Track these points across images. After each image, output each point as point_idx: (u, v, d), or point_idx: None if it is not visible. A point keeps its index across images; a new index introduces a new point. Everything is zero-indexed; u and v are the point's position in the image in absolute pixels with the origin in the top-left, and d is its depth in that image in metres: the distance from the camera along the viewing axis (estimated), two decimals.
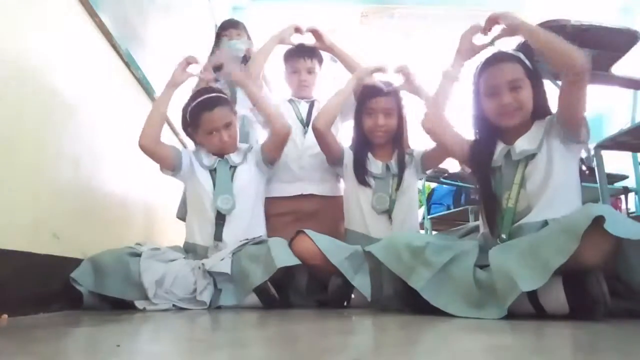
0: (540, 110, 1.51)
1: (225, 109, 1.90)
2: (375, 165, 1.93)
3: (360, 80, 1.97)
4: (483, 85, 1.51)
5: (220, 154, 1.92)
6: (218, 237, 1.81)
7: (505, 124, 1.49)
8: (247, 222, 1.86)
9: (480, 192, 1.54)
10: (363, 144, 1.96)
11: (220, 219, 1.83)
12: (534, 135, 1.47)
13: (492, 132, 1.54)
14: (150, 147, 1.83)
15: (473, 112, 1.60)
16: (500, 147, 1.51)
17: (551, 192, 1.39)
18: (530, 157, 1.45)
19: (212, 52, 2.60)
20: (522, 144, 1.47)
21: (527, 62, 1.51)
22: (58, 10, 1.49)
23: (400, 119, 1.95)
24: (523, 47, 1.63)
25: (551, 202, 1.39)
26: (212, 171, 1.88)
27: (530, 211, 1.41)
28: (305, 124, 2.19)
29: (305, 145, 2.13)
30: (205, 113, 1.86)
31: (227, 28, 2.58)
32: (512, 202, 1.44)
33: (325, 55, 2.31)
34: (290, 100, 2.26)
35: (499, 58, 1.51)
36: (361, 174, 1.91)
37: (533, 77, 1.49)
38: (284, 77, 2.30)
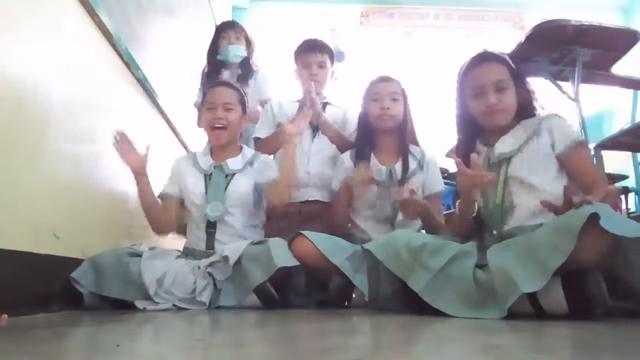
0: (524, 110, 1.54)
1: (231, 92, 1.93)
2: (378, 170, 1.87)
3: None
4: (468, 86, 1.54)
5: (213, 144, 1.91)
6: (210, 245, 1.78)
7: (490, 124, 1.53)
8: (240, 232, 1.81)
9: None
10: (367, 140, 1.92)
11: (211, 227, 1.79)
12: (516, 136, 1.50)
13: (473, 132, 1.58)
14: (171, 231, 1.94)
15: (457, 112, 1.63)
16: (483, 152, 1.55)
17: (538, 190, 1.41)
18: (509, 158, 1.48)
19: (210, 53, 2.57)
20: (501, 147, 1.51)
21: (510, 62, 1.54)
22: (58, 10, 1.49)
23: (405, 111, 1.92)
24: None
25: (539, 200, 1.38)
26: (207, 176, 1.85)
27: (515, 208, 1.44)
28: (314, 127, 2.14)
29: (312, 150, 2.11)
30: (212, 88, 1.96)
31: (226, 30, 2.52)
32: (498, 199, 1.48)
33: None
34: (300, 101, 2.18)
35: (485, 58, 1.54)
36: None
37: (517, 78, 1.53)
38: (295, 75, 2.27)
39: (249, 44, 2.56)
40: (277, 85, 2.64)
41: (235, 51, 2.47)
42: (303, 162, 2.09)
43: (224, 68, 2.46)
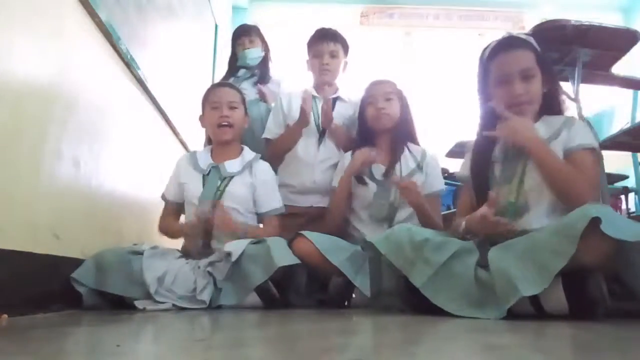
0: (549, 101, 1.47)
1: (234, 92, 1.96)
2: (377, 168, 1.88)
3: (354, 175, 1.86)
4: (494, 72, 1.46)
5: (218, 140, 1.91)
6: (206, 245, 1.78)
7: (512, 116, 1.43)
8: (237, 234, 1.79)
9: (475, 187, 1.50)
10: (367, 141, 1.92)
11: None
12: (539, 132, 1.42)
13: (496, 122, 1.48)
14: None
15: (480, 97, 1.55)
16: (502, 141, 1.47)
17: (550, 193, 1.36)
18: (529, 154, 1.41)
19: (231, 60, 2.63)
20: None
21: (538, 48, 1.46)
22: (58, 10, 1.49)
23: (403, 110, 1.92)
24: (535, 34, 1.58)
25: (553, 205, 1.36)
26: (205, 176, 1.85)
27: (529, 210, 1.38)
28: (321, 133, 2.09)
29: (319, 158, 2.07)
30: (215, 88, 1.99)
31: (240, 36, 2.59)
32: (512, 196, 1.40)
33: None
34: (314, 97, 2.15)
35: (512, 44, 1.46)
36: (359, 175, 1.86)
37: (544, 65, 1.45)
38: (307, 66, 2.22)
39: (264, 42, 2.61)
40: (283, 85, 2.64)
41: (251, 54, 2.56)
42: (309, 171, 2.06)
43: (241, 69, 2.56)
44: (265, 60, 2.58)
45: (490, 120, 1.49)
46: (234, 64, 2.60)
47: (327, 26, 2.22)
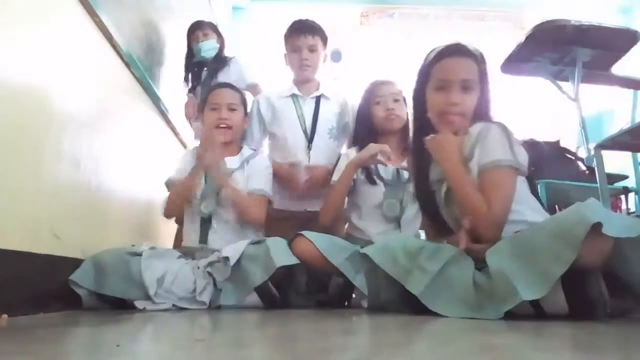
0: (478, 117, 1.43)
1: (234, 93, 1.95)
2: (385, 169, 1.88)
3: (361, 166, 1.83)
4: (435, 76, 1.43)
5: (220, 140, 1.90)
6: (203, 239, 1.80)
7: (442, 126, 1.41)
8: (236, 228, 1.83)
9: (422, 210, 1.52)
10: (366, 142, 1.89)
11: (205, 222, 1.80)
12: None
13: (426, 133, 1.45)
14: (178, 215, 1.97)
15: (413, 99, 1.51)
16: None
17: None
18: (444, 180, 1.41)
19: (187, 58, 2.62)
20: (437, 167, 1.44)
21: (483, 60, 1.44)
22: (58, 10, 1.49)
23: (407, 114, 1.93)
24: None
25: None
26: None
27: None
28: (310, 138, 2.05)
29: (309, 163, 2.05)
30: (216, 89, 1.97)
31: (193, 31, 2.59)
32: (451, 223, 1.42)
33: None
34: (292, 96, 2.12)
35: (458, 51, 1.43)
36: (370, 173, 1.86)
37: (483, 81, 1.43)
38: (285, 60, 2.16)
39: (219, 37, 2.60)
40: (274, 84, 2.63)
41: (205, 47, 2.53)
42: (303, 177, 2.05)
43: (204, 67, 2.53)
44: (219, 55, 2.55)
45: (422, 129, 1.47)
46: (190, 60, 2.57)
47: (304, 18, 2.17)
